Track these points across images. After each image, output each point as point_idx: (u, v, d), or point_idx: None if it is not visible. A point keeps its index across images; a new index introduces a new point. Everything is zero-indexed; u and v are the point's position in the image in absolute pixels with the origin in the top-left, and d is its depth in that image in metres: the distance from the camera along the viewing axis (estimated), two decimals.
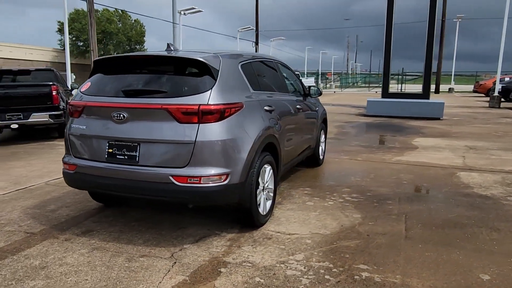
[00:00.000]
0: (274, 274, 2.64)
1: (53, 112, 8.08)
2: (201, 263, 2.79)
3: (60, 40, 42.17)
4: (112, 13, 42.76)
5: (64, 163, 3.29)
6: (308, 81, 32.22)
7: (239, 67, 3.39)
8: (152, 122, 2.91)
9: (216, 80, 2.98)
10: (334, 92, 38.70)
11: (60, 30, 42.54)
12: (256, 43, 38.75)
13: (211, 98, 2.88)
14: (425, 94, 12.97)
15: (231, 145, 2.94)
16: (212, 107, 2.85)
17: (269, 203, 3.61)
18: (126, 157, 2.97)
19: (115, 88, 3.12)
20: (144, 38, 46.84)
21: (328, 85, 52.09)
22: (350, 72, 72.69)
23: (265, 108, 3.53)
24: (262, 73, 3.98)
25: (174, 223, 3.52)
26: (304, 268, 2.72)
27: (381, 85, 14.88)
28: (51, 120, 8.06)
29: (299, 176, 5.25)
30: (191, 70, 3.02)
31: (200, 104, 2.83)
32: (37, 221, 3.61)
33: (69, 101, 3.25)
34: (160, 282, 2.53)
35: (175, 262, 2.80)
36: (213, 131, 2.86)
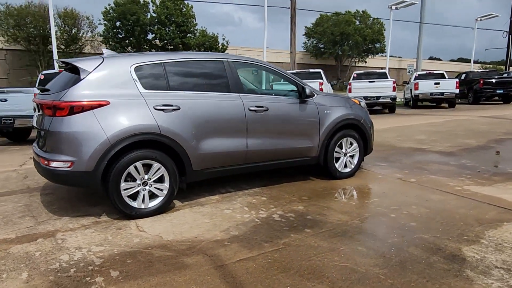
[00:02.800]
0: (52, 254, 2.94)
1: None
2: (42, 231, 3.38)
3: (304, 43, 47.02)
4: (352, 14, 44.10)
5: None
6: None
7: (130, 69, 3.64)
8: (42, 114, 3.69)
9: (81, 81, 3.44)
10: None
11: (306, 34, 47.43)
12: (510, 33, 31.38)
13: (65, 95, 3.38)
14: None
15: (77, 137, 3.34)
16: (61, 103, 3.35)
17: (159, 199, 3.70)
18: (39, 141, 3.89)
19: None
20: (383, 36, 45.92)
21: None
22: None
23: (155, 107, 3.62)
24: (186, 74, 3.98)
25: (96, 201, 4.18)
26: (77, 258, 2.86)
27: None
28: None
29: (286, 186, 4.71)
30: (72, 72, 3.60)
31: (53, 100, 3.39)
32: (48, 183, 5.03)
33: None
34: None
35: (34, 226, 3.52)
36: (60, 124, 3.36)
